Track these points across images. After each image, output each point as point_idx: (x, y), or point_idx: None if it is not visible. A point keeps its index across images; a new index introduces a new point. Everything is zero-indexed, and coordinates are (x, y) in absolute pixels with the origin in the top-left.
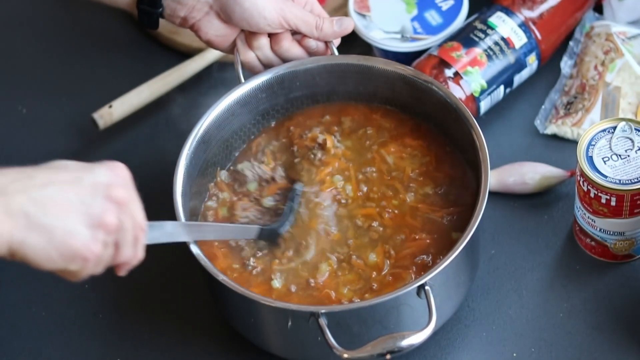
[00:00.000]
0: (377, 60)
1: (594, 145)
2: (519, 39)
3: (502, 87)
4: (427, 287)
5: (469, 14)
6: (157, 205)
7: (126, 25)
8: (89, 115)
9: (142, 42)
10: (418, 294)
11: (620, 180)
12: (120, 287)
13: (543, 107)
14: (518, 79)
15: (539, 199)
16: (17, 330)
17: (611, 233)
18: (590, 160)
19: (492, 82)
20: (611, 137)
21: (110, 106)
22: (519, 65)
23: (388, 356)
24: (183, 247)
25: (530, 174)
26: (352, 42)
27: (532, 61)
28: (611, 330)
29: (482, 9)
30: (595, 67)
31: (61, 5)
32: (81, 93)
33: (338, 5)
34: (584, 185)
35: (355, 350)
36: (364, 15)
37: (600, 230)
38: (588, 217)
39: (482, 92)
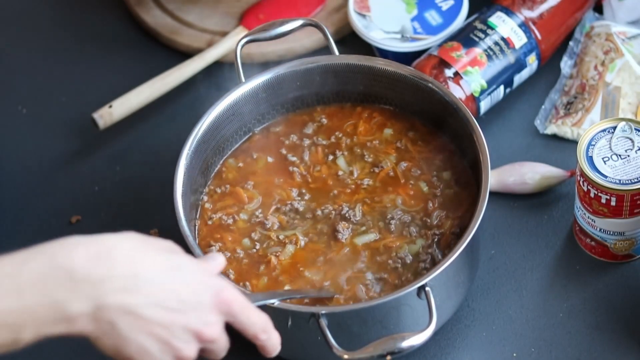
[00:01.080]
0: (377, 60)
1: (593, 145)
2: (519, 39)
3: (502, 87)
4: (427, 288)
5: (469, 14)
6: (157, 205)
7: (126, 25)
8: (89, 115)
9: (142, 42)
10: (418, 294)
11: (620, 180)
12: None
13: (543, 107)
14: (518, 79)
15: (539, 199)
16: None
17: (611, 233)
18: (590, 160)
19: (492, 82)
20: (611, 137)
21: (110, 106)
22: (519, 65)
23: (388, 357)
24: (183, 249)
25: (530, 174)
26: (352, 42)
27: (532, 61)
28: (611, 330)
29: (482, 9)
30: (595, 67)
31: (61, 5)
32: (81, 93)
33: (338, 5)
34: (584, 185)
35: (355, 351)
36: (364, 15)
37: (600, 230)
38: (588, 217)
39: (482, 92)
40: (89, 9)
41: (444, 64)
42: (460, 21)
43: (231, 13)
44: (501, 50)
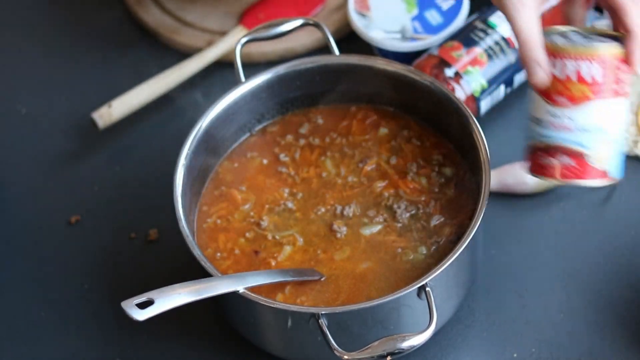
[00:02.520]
0: (377, 60)
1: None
2: None
3: (502, 87)
4: (427, 289)
5: (469, 14)
6: (157, 205)
7: (126, 25)
8: (88, 115)
9: (142, 41)
10: (419, 295)
11: (601, 40)
12: (120, 287)
13: None
14: (519, 78)
15: (539, 199)
16: (17, 330)
17: (592, 130)
18: (556, 40)
19: (493, 82)
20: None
21: (110, 106)
22: (520, 64)
23: (388, 358)
24: (182, 248)
25: None
26: (352, 42)
27: None
28: (612, 331)
29: (482, 8)
30: None
31: (61, 4)
32: (81, 93)
33: (338, 4)
34: (558, 68)
35: (355, 352)
36: (364, 15)
37: (578, 129)
38: (564, 118)
39: (483, 91)
40: (89, 9)
41: (444, 63)
42: (460, 21)
43: (231, 12)
44: (502, 49)
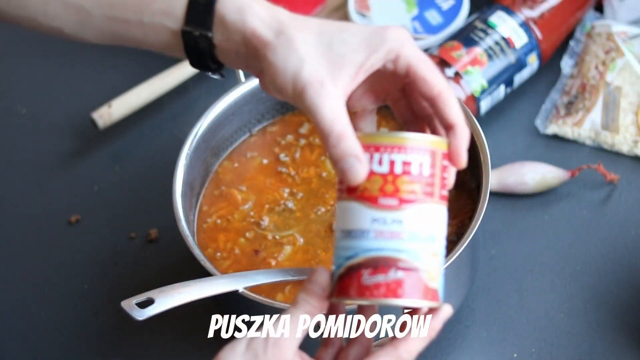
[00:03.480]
0: None
1: None
2: (520, 39)
3: (502, 87)
4: None
5: (469, 14)
6: (157, 205)
7: None
8: (88, 115)
9: None
10: None
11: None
12: (120, 287)
13: (543, 106)
14: (519, 78)
15: (540, 199)
16: (17, 330)
17: (423, 237)
18: None
19: (493, 82)
20: None
21: (110, 106)
22: (520, 64)
23: None
24: (182, 248)
25: (530, 173)
26: None
27: (533, 61)
28: (612, 331)
29: (482, 8)
30: (596, 67)
31: None
32: (80, 93)
33: (338, 5)
34: (383, 163)
35: None
36: (364, 15)
37: (409, 237)
38: (392, 224)
39: (483, 91)
40: None
41: (444, 63)
42: (460, 21)
43: None
44: (502, 49)
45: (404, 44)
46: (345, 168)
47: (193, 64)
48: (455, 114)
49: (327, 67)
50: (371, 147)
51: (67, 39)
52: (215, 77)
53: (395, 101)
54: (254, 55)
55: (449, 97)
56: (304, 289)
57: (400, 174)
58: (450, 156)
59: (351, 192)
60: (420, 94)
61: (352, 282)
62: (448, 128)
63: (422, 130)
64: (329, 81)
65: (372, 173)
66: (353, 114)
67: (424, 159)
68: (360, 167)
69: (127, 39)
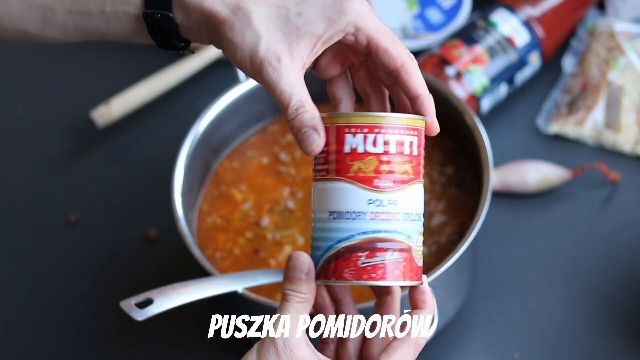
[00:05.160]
0: None
1: None
2: (521, 37)
3: (504, 86)
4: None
5: (471, 12)
6: (156, 204)
7: None
8: (87, 114)
9: None
10: None
11: None
12: (119, 287)
13: (545, 106)
14: (520, 77)
15: (541, 199)
16: (17, 330)
17: (414, 217)
18: None
19: (494, 81)
20: None
21: (109, 105)
22: (521, 63)
23: None
24: (181, 248)
25: (532, 173)
26: None
27: (535, 59)
28: (614, 331)
29: (483, 6)
30: (598, 66)
31: None
32: (79, 92)
33: None
34: (377, 143)
35: None
36: None
37: (404, 217)
38: (388, 205)
39: (484, 90)
40: None
41: (445, 62)
42: (461, 19)
43: None
44: (503, 48)
45: (365, 16)
46: (303, 139)
47: (161, 46)
48: (420, 84)
49: (284, 40)
50: (365, 128)
51: (32, 40)
52: (187, 53)
53: (356, 71)
54: (215, 32)
55: (412, 68)
56: (288, 279)
57: (395, 153)
58: (428, 128)
59: (342, 172)
60: (382, 67)
61: (347, 265)
62: (413, 99)
63: (383, 103)
64: (286, 55)
65: (366, 153)
66: (326, 81)
67: (413, 139)
68: (317, 138)
69: (91, 32)
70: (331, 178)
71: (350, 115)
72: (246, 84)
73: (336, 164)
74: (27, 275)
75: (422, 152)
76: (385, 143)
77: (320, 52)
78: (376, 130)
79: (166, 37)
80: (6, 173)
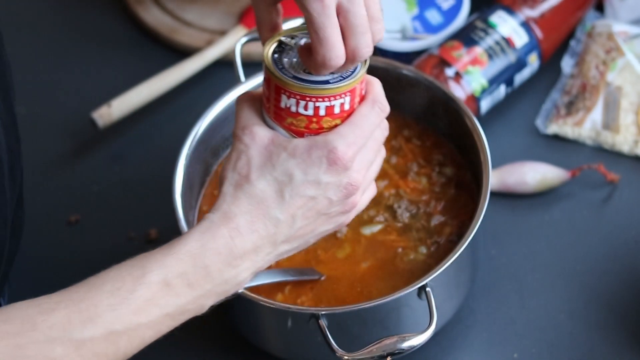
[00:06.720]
0: (377, 60)
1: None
2: (520, 38)
3: (503, 87)
4: (427, 289)
5: (470, 13)
6: (157, 205)
7: (125, 24)
8: (88, 114)
9: (142, 41)
10: (419, 295)
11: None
12: None
13: (544, 106)
14: (519, 78)
15: (540, 199)
16: None
17: None
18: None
19: (493, 82)
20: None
21: (110, 106)
22: (520, 64)
23: (389, 358)
24: None
25: (531, 173)
26: None
27: (533, 60)
28: (613, 331)
29: (482, 8)
30: (597, 67)
31: (60, 3)
32: (80, 92)
33: None
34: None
35: (355, 352)
36: None
37: None
38: None
39: (483, 91)
40: (88, 8)
41: (444, 63)
42: (460, 20)
43: (231, 12)
44: (502, 49)
45: None
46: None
47: None
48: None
49: None
50: (297, 95)
51: None
52: None
53: None
54: None
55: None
56: None
57: (324, 115)
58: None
59: (278, 119)
60: None
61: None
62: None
63: (269, 14)
64: None
65: (298, 114)
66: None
67: (345, 100)
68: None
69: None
70: (271, 117)
71: (285, 81)
72: (247, 85)
73: (274, 110)
74: (27, 275)
75: (357, 103)
76: (316, 109)
77: None
78: (307, 98)
79: None
80: None
